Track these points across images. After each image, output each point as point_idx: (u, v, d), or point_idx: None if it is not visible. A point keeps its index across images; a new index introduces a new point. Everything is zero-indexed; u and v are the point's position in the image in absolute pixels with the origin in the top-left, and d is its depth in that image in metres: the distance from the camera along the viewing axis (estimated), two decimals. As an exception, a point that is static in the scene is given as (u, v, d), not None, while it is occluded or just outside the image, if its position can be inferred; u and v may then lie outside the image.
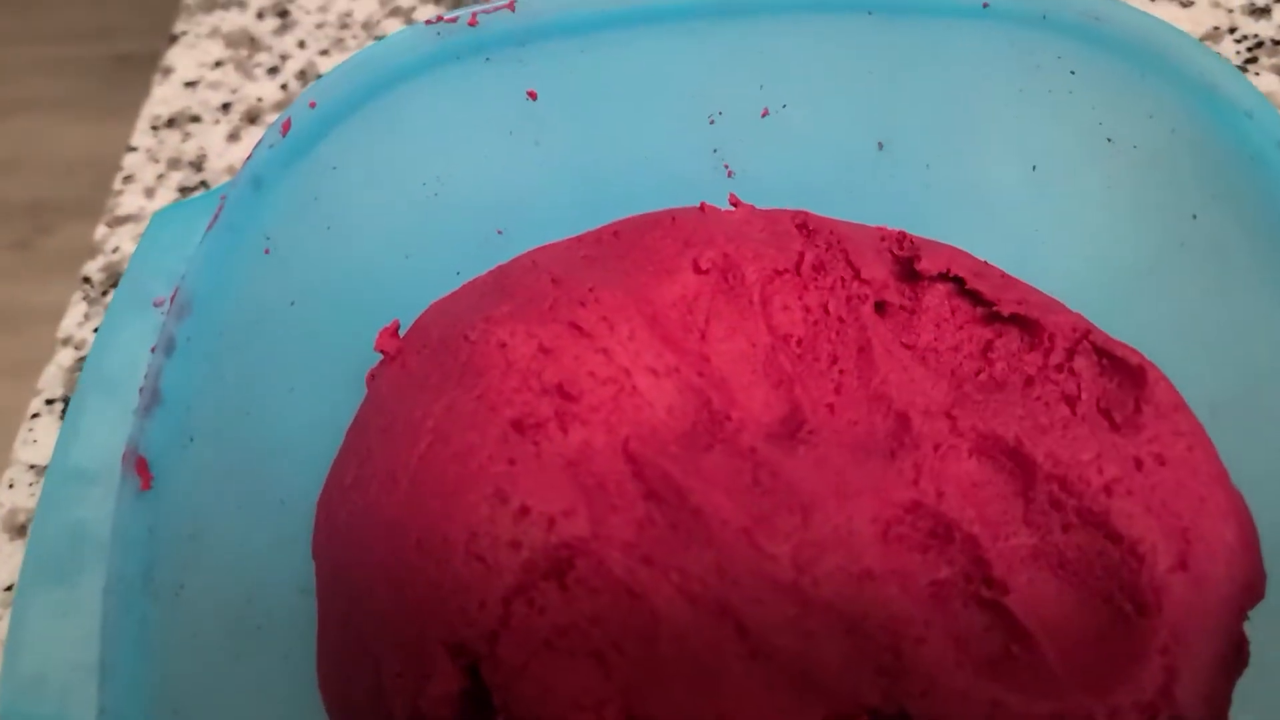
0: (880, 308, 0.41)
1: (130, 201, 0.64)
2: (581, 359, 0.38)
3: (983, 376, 0.40)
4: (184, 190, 0.64)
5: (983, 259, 0.43)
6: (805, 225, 0.42)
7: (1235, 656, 0.35)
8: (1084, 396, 0.38)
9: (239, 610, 0.37)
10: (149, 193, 0.65)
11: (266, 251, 0.40)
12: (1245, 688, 0.35)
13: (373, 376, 0.42)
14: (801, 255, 0.41)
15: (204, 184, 0.64)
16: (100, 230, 0.63)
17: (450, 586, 0.33)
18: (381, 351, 0.41)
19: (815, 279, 0.41)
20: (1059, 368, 0.39)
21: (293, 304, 0.42)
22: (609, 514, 0.35)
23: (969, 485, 0.36)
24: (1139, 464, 0.36)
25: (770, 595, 0.32)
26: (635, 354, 0.38)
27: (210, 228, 0.38)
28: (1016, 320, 0.40)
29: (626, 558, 0.33)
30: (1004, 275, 0.42)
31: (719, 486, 0.35)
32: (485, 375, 0.37)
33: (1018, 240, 0.44)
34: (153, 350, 0.36)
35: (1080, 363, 0.39)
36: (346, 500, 0.38)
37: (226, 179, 0.60)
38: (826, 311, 0.40)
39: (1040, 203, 0.45)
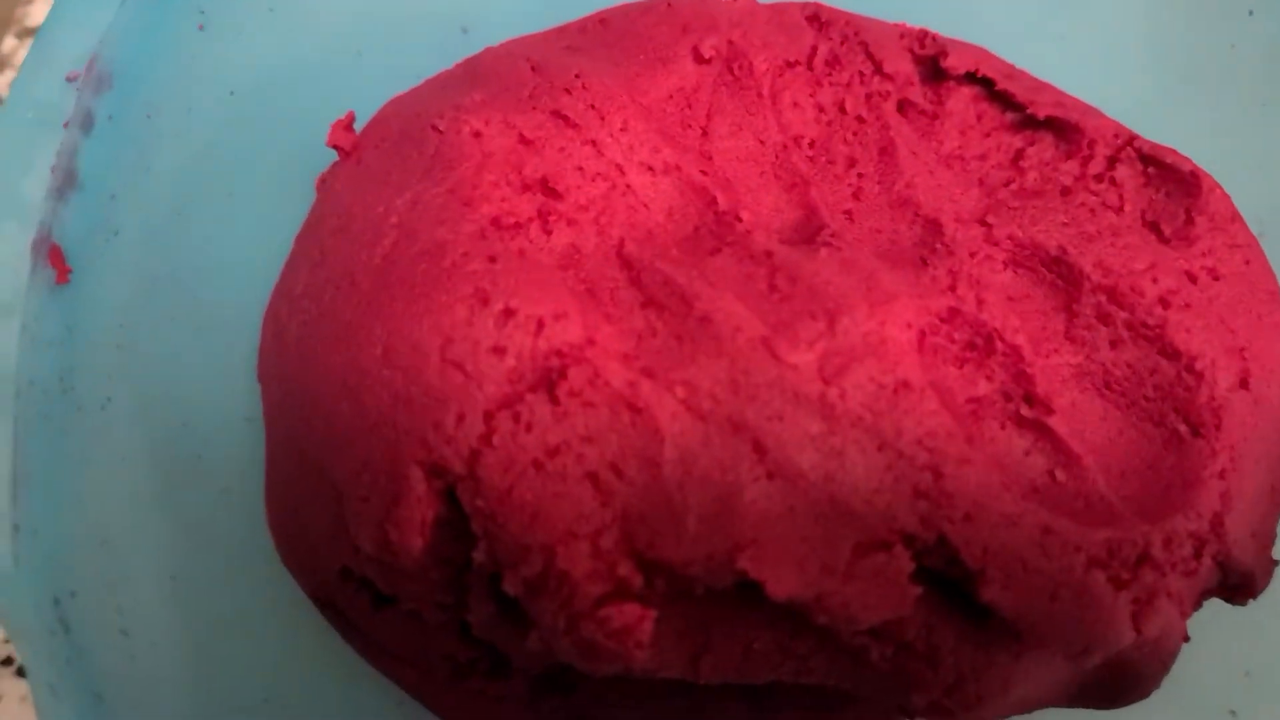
0: (901, 108, 0.36)
1: (42, 11, 0.57)
2: (567, 152, 0.33)
3: (1013, 187, 0.35)
4: None
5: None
6: (817, 17, 0.37)
7: (1285, 489, 0.32)
8: (1127, 208, 0.34)
9: (174, 434, 0.32)
10: (61, 2, 0.57)
11: (200, 28, 0.35)
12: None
13: (324, 180, 0.37)
14: (814, 48, 0.36)
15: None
16: (8, 43, 0.56)
17: (423, 399, 0.29)
18: (335, 147, 0.36)
19: (830, 74, 0.36)
20: (1099, 177, 0.35)
21: (232, 94, 0.36)
22: (603, 323, 0.30)
23: (1005, 299, 0.32)
24: (1192, 278, 0.32)
25: (792, 410, 0.28)
26: (629, 148, 0.33)
27: (132, -13, 0.32)
28: (1052, 125, 0.36)
29: (626, 369, 0.29)
30: (1036, 80, 0.38)
31: (730, 292, 0.30)
32: (457, 168, 0.32)
33: (1047, 39, 0.39)
34: (66, 126, 0.30)
35: (1123, 171, 0.35)
36: (297, 310, 0.33)
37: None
38: (843, 110, 0.36)
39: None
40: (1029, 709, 0.32)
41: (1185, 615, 0.30)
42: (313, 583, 0.33)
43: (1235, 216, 0.34)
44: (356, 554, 0.30)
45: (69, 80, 0.31)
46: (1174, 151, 0.35)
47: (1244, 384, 0.30)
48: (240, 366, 0.35)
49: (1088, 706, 0.32)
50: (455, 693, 0.33)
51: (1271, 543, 0.32)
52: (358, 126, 0.37)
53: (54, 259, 0.28)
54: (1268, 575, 0.31)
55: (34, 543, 0.26)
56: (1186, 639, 0.30)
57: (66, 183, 0.29)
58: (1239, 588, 0.31)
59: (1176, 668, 0.30)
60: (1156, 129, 0.36)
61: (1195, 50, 0.38)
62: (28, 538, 0.26)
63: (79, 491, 0.28)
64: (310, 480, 0.31)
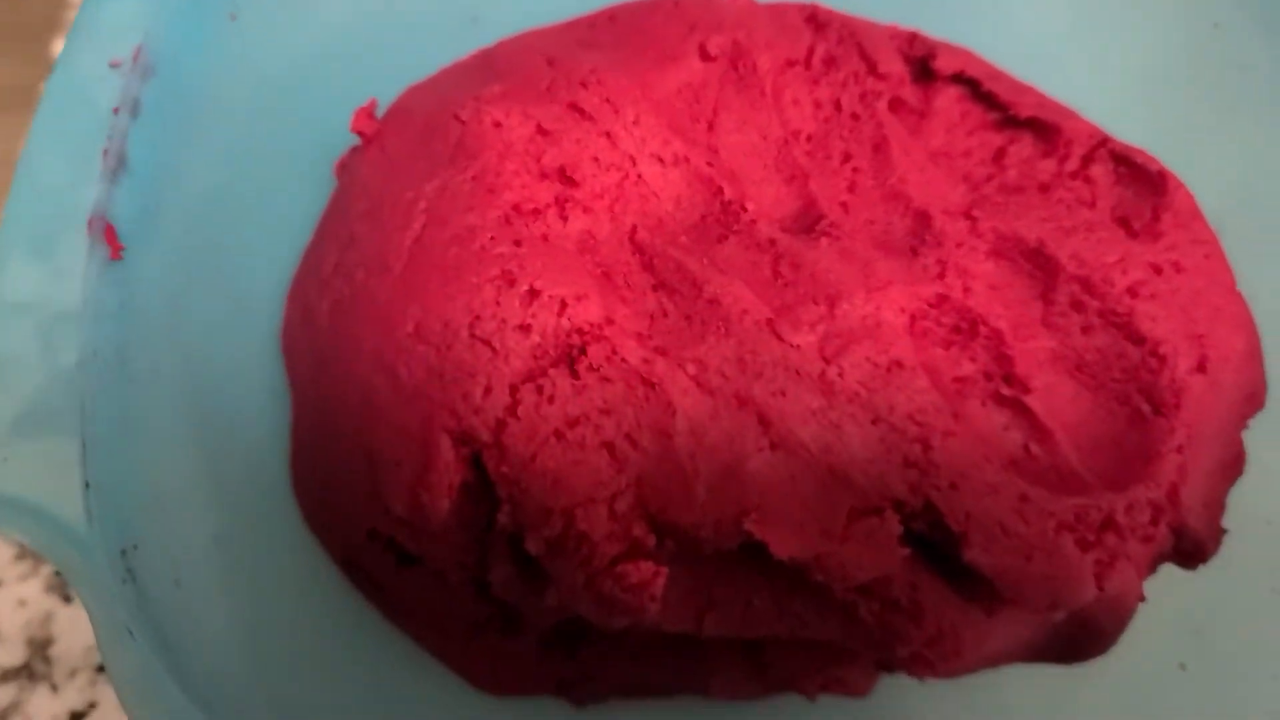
0: (892, 106, 0.39)
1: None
2: (583, 143, 0.35)
3: (995, 182, 0.38)
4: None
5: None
6: (814, 18, 0.40)
7: (1234, 464, 0.35)
8: (1100, 204, 0.37)
9: (212, 405, 0.34)
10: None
11: (233, 18, 0.36)
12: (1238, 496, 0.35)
13: (343, 166, 0.39)
14: (812, 48, 0.39)
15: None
16: (56, 44, 0.58)
17: (453, 372, 0.31)
18: (358, 133, 0.38)
19: (826, 73, 0.39)
20: (1074, 175, 0.38)
21: (261, 80, 0.38)
22: (619, 304, 0.33)
23: (988, 287, 0.35)
24: (1157, 270, 0.35)
25: (795, 386, 0.31)
26: (641, 140, 0.35)
27: (172, -19, 0.34)
28: (1032, 124, 0.38)
29: (641, 347, 0.32)
30: (1019, 82, 0.40)
31: (737, 277, 0.33)
32: (480, 156, 0.34)
33: (1026, 42, 0.42)
34: (116, 111, 0.32)
35: (1097, 170, 0.38)
36: (328, 290, 0.35)
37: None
38: (838, 108, 0.38)
39: (1054, 5, 0.43)
40: (1000, 663, 0.34)
41: (1142, 576, 0.33)
42: (339, 545, 0.35)
43: (1197, 214, 0.36)
44: (385, 516, 0.32)
45: (113, 67, 0.33)
46: (1143, 153, 0.37)
47: (1201, 368, 0.33)
48: (266, 341, 0.37)
49: (1053, 661, 0.35)
50: (470, 649, 0.35)
51: (1221, 513, 0.35)
52: (378, 114, 0.39)
53: (108, 237, 0.30)
54: (1217, 542, 0.34)
55: (102, 500, 0.28)
56: (1143, 598, 0.33)
57: (119, 165, 0.31)
58: (1191, 553, 0.34)
59: (1132, 625, 0.33)
60: (1125, 128, 0.39)
61: (1164, 56, 0.41)
62: (96, 495, 0.28)
63: (137, 456, 0.30)
64: (341, 448, 0.33)
